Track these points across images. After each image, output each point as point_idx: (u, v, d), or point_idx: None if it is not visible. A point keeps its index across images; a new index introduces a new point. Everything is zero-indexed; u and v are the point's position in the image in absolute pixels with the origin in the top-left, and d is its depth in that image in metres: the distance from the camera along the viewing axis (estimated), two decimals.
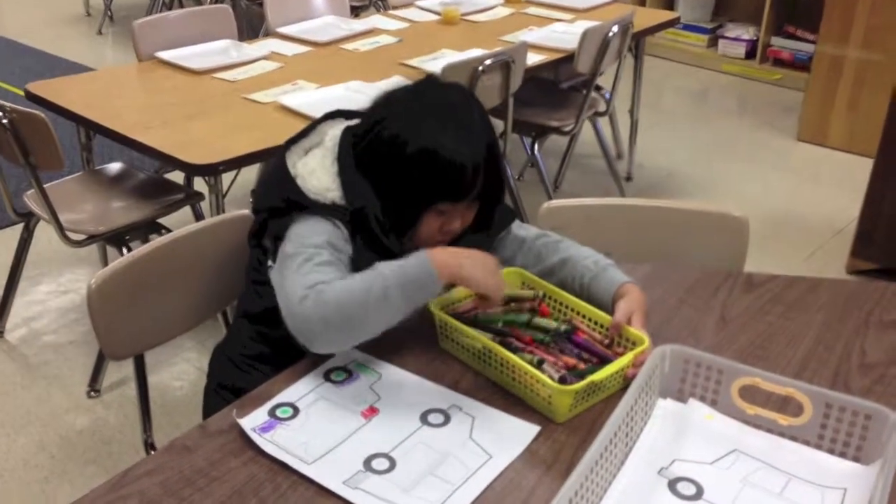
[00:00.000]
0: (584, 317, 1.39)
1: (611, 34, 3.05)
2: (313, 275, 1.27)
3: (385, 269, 1.25)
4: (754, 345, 1.40)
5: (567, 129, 3.26)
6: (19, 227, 2.76)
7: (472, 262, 1.29)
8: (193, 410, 2.40)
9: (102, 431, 2.34)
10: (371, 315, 1.24)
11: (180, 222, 2.69)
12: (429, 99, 1.40)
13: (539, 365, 1.27)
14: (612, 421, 1.08)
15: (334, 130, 1.47)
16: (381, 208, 1.37)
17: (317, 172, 1.39)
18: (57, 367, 2.58)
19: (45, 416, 2.39)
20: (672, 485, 1.09)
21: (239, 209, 1.71)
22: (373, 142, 1.39)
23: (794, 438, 1.16)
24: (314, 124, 1.49)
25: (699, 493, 1.08)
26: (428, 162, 1.33)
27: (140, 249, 1.57)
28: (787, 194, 3.77)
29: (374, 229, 1.36)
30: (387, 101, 1.42)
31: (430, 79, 1.51)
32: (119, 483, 1.11)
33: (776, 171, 4.00)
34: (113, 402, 2.45)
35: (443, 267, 1.26)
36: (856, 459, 1.13)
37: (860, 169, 3.96)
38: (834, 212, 3.61)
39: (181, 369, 2.59)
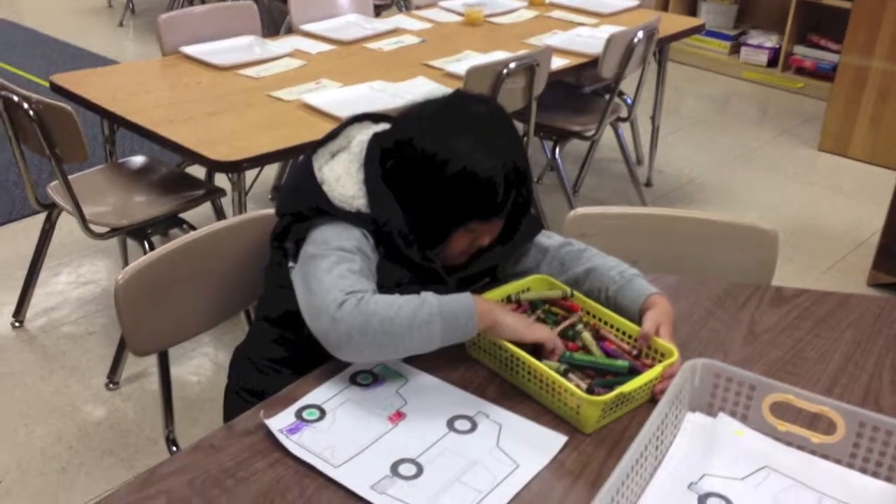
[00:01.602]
0: (611, 326, 1.39)
1: (636, 40, 3.04)
2: (349, 280, 1.27)
3: (431, 298, 1.26)
4: (783, 360, 1.38)
5: (589, 134, 3.25)
6: (39, 216, 2.77)
7: (508, 313, 1.32)
8: (211, 405, 2.42)
9: (120, 424, 2.34)
10: (411, 337, 1.24)
11: (200, 216, 2.70)
12: (459, 115, 1.39)
13: (565, 374, 1.26)
14: (643, 434, 1.07)
15: (361, 136, 1.46)
16: (407, 221, 1.37)
17: (342, 179, 1.38)
18: (76, 358, 2.59)
19: (63, 407, 2.39)
20: (702, 500, 1.08)
21: (259, 206, 1.71)
22: (403, 160, 1.37)
23: (825, 456, 1.15)
24: (341, 127, 1.48)
25: None
26: (461, 184, 1.33)
27: (166, 246, 1.57)
28: (808, 204, 3.75)
29: (397, 241, 1.36)
30: (417, 117, 1.41)
31: (458, 93, 1.49)
32: (147, 481, 1.10)
33: (797, 180, 3.98)
34: (132, 394, 2.45)
35: (482, 313, 1.28)
36: (888, 479, 1.11)
37: (882, 181, 3.95)
38: (855, 223, 3.58)
39: (198, 364, 2.60)
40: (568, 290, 1.43)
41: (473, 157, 1.32)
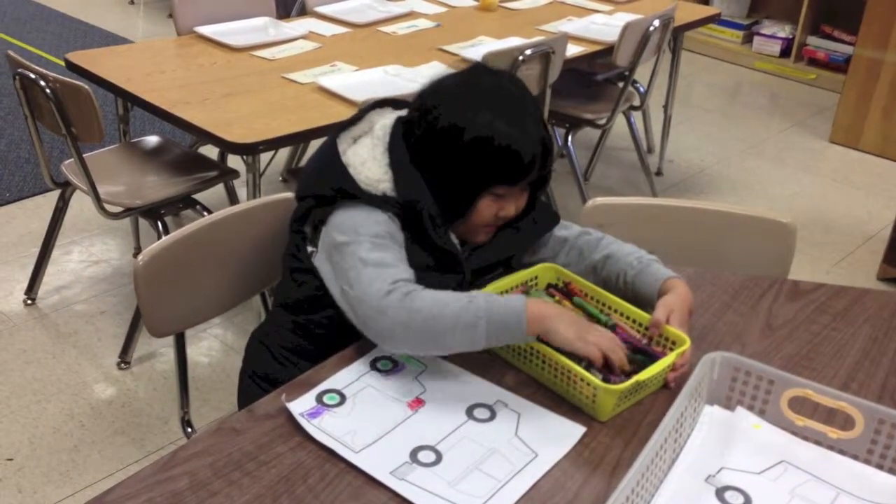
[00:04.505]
0: (623, 315, 1.39)
1: (651, 28, 3.03)
2: (391, 269, 1.27)
3: (480, 299, 1.24)
4: (800, 354, 1.39)
5: (601, 122, 3.25)
6: (50, 194, 2.77)
7: (564, 320, 1.25)
8: (221, 386, 2.43)
9: (132, 403, 2.36)
10: (453, 338, 1.23)
11: (213, 197, 2.71)
12: (481, 86, 1.38)
13: (587, 366, 1.26)
14: (662, 427, 1.07)
15: (383, 120, 1.46)
16: (434, 199, 1.37)
17: (368, 163, 1.38)
18: (87, 337, 2.60)
19: (75, 386, 2.41)
20: (720, 493, 1.09)
21: (272, 188, 1.71)
22: (427, 131, 1.38)
23: (842, 452, 1.16)
24: (362, 113, 1.48)
25: (747, 502, 1.08)
26: (487, 145, 1.33)
27: (185, 228, 1.57)
28: (818, 197, 3.75)
29: (426, 223, 1.36)
30: (438, 88, 1.41)
31: (479, 66, 1.50)
32: (169, 462, 1.11)
33: (807, 172, 3.97)
34: (143, 374, 2.46)
35: (534, 319, 1.23)
36: None
37: (893, 174, 3.94)
38: (865, 217, 3.58)
39: (208, 345, 2.61)
40: (559, 279, 1.46)
41: (496, 122, 1.33)
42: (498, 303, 1.24)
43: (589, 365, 1.26)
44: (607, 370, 1.25)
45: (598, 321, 1.37)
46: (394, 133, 1.41)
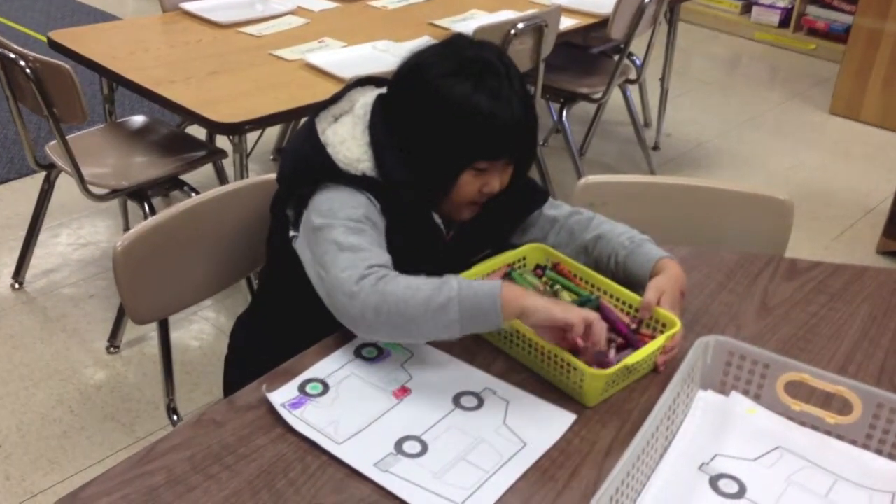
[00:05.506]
0: (612, 296, 1.35)
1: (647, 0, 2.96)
2: (365, 252, 1.23)
3: (452, 282, 1.19)
4: (797, 336, 1.35)
5: (596, 96, 3.19)
6: (38, 175, 2.73)
7: (536, 298, 1.19)
8: (212, 370, 2.40)
9: (121, 388, 2.33)
10: (425, 322, 1.18)
11: (202, 177, 2.66)
12: (461, 56, 1.33)
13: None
14: (655, 414, 1.04)
15: (365, 98, 1.41)
16: (415, 177, 1.33)
17: (347, 142, 1.34)
18: (76, 321, 2.57)
19: (64, 371, 2.38)
20: (713, 481, 1.06)
21: (261, 167, 1.67)
22: (406, 104, 1.33)
23: (840, 437, 1.12)
24: (344, 91, 1.44)
25: (741, 491, 1.05)
26: (466, 118, 1.28)
27: (167, 211, 1.53)
28: (818, 169, 3.70)
29: (406, 203, 1.32)
30: (418, 60, 1.36)
31: (459, 36, 1.44)
32: (146, 457, 1.08)
33: (807, 144, 3.92)
34: (132, 358, 2.43)
35: (509, 300, 1.17)
36: None
37: (894, 146, 3.89)
38: (865, 190, 3.53)
39: (199, 328, 2.57)
40: (549, 262, 1.42)
41: (476, 93, 1.28)
42: (471, 285, 1.19)
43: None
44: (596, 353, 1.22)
45: (580, 296, 1.34)
46: (374, 111, 1.37)
